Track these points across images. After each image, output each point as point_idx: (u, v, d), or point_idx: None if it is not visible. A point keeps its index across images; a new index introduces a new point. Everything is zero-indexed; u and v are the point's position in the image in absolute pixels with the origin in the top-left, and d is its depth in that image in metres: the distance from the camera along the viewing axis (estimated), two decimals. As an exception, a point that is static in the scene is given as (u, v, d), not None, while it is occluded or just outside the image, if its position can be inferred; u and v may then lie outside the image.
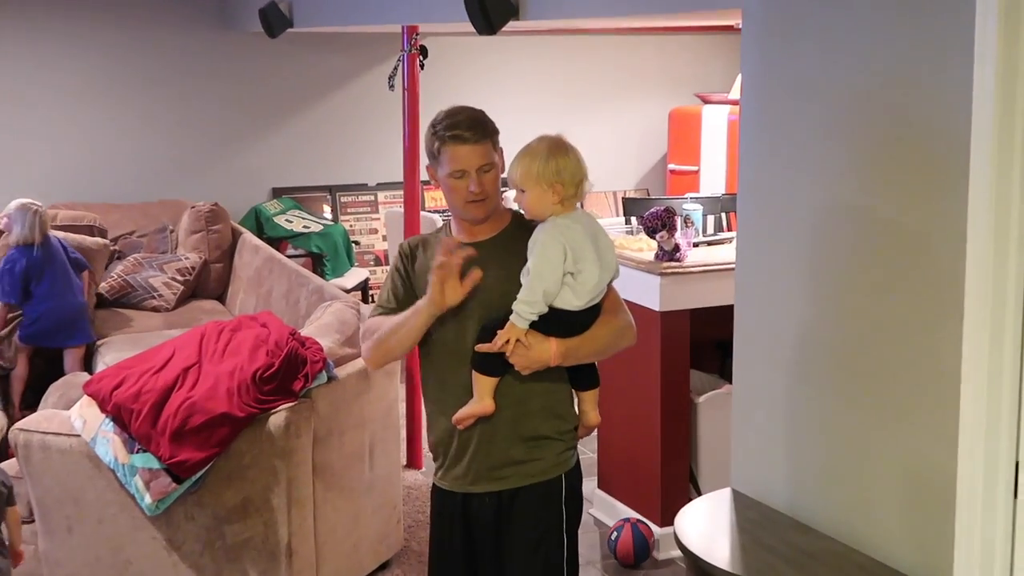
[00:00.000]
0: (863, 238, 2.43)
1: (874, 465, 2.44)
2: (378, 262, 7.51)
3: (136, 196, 6.80)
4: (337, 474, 3.52)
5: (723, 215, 4.88)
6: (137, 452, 3.18)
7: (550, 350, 2.44)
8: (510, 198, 2.62)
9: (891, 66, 2.33)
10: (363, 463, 3.66)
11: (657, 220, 3.94)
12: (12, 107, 6.66)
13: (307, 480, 3.38)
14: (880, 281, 2.39)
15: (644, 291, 3.98)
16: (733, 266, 2.94)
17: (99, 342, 5.45)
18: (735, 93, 6.86)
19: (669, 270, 3.96)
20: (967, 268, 2.15)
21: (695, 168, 7.29)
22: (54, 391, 4.40)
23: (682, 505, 2.82)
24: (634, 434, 4.20)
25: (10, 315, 5.28)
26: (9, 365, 5.32)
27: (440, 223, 6.20)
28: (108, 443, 3.22)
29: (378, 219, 7.52)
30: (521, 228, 2.54)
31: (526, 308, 2.40)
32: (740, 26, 2.80)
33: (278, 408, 3.29)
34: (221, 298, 6.36)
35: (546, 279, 2.40)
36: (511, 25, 3.73)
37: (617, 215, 7.07)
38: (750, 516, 2.72)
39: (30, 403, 4.97)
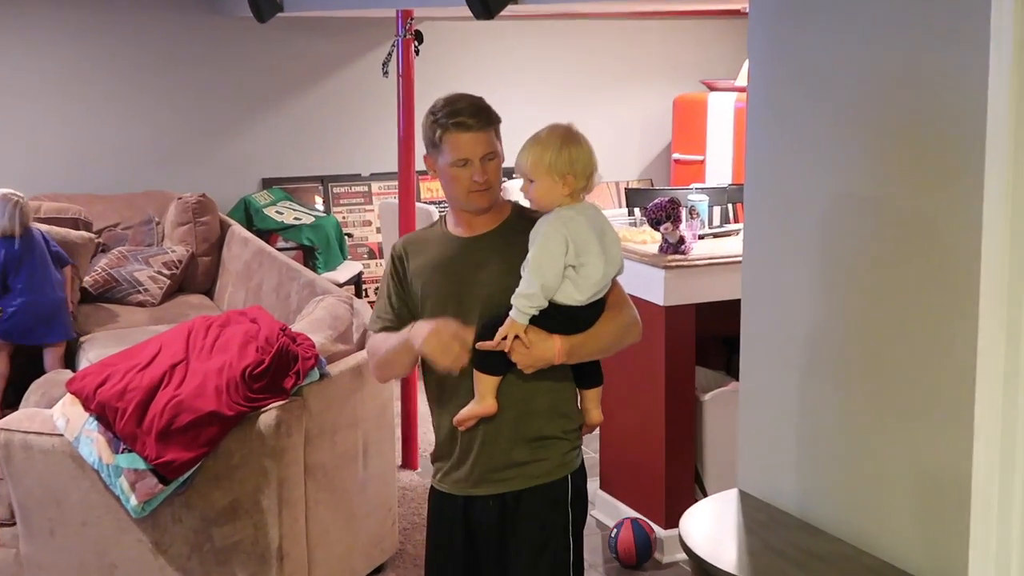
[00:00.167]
0: (875, 229, 2.43)
1: (886, 465, 2.44)
2: (372, 255, 7.51)
3: (121, 187, 6.79)
4: (330, 475, 3.52)
5: (730, 206, 4.89)
6: (122, 452, 3.18)
7: (554, 348, 2.43)
8: (509, 189, 2.62)
9: (904, 50, 2.32)
10: (356, 463, 3.66)
11: (661, 211, 3.94)
12: (-9, 95, 6.66)
13: (298, 481, 3.38)
14: (893, 274, 2.39)
15: (648, 285, 3.98)
16: (740, 259, 2.94)
17: (82, 338, 5.45)
18: (742, 80, 6.86)
19: (674, 263, 3.96)
20: (983, 260, 2.15)
21: (700, 157, 7.29)
22: (36, 389, 4.39)
23: (687, 506, 2.82)
24: (637, 433, 4.20)
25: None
26: (-12, 362, 5.33)
27: (435, 216, 6.21)
28: (92, 443, 3.22)
29: (372, 211, 7.52)
30: (522, 219, 2.54)
31: (524, 302, 2.40)
32: (747, 10, 2.80)
33: (268, 406, 3.29)
34: (209, 292, 6.36)
35: (545, 272, 2.39)
36: (509, 9, 3.72)
37: (620, 206, 7.06)
38: (757, 518, 2.72)
39: (11, 402, 4.96)
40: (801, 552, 2.51)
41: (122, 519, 3.23)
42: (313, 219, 7.04)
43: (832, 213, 2.55)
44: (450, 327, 2.42)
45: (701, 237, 4.17)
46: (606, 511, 4.40)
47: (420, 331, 2.44)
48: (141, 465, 3.16)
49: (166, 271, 6.13)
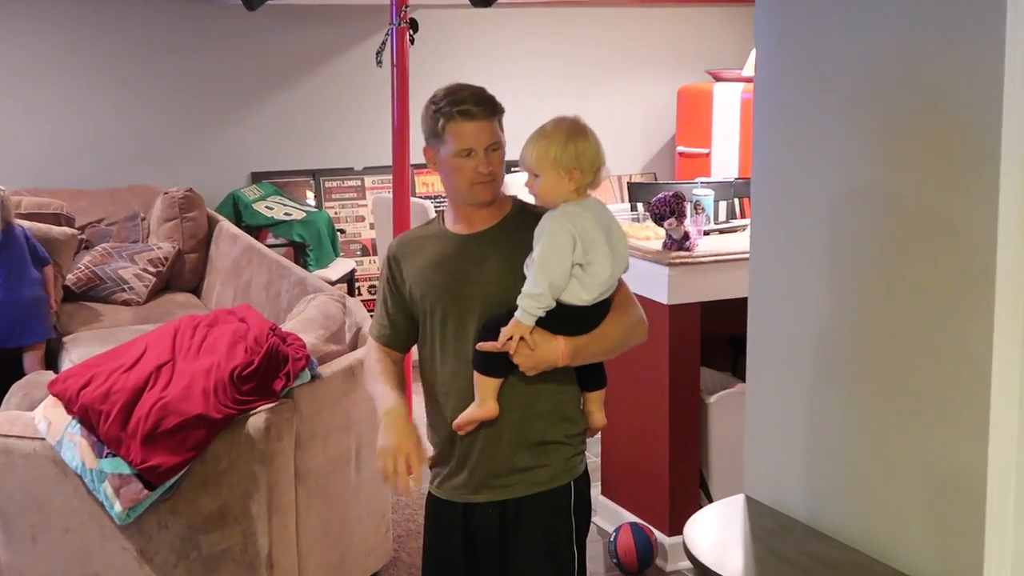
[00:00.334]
0: (887, 225, 2.43)
1: (898, 469, 2.44)
2: (365, 252, 7.50)
3: (105, 181, 6.79)
4: (321, 480, 3.52)
5: (736, 201, 4.88)
6: (106, 456, 3.18)
7: (558, 349, 2.43)
8: (508, 183, 2.62)
9: (919, 39, 2.32)
10: (349, 468, 3.66)
11: (665, 206, 3.94)
12: (-30, 86, 6.66)
13: (289, 486, 3.38)
14: (905, 272, 2.39)
15: (651, 283, 3.98)
16: (747, 256, 2.94)
17: (65, 338, 5.45)
18: (749, 69, 6.86)
19: (678, 260, 3.96)
20: (998, 257, 2.15)
21: (706, 151, 7.29)
22: (17, 391, 4.39)
23: (692, 512, 2.82)
24: (640, 437, 4.20)
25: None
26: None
27: (432, 212, 6.18)
28: (75, 447, 3.22)
29: (365, 205, 7.51)
30: (524, 215, 2.53)
31: (532, 303, 2.39)
32: (754, -3, 2.80)
33: (258, 409, 3.28)
34: (196, 291, 6.35)
35: (553, 270, 2.39)
36: (508, -3, 3.72)
37: (622, 201, 7.06)
38: (764, 524, 2.72)
39: (-9, 404, 4.97)
40: (810, 560, 2.51)
41: (106, 526, 3.23)
42: (304, 214, 7.04)
43: (843, 208, 2.54)
44: (403, 452, 2.48)
45: (706, 233, 4.17)
46: (607, 517, 4.40)
47: (381, 434, 2.52)
48: (126, 470, 3.16)
49: (152, 268, 6.13)
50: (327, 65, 7.39)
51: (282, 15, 7.11)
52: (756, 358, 2.87)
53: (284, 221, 6.96)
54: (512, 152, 2.50)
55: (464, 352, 2.49)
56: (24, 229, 5.41)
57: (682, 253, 3.98)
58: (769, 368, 2.82)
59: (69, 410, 3.29)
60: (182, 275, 6.33)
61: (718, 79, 7.35)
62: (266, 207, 7.04)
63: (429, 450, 2.66)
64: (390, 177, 5.40)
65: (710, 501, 4.07)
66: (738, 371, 4.34)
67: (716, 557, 2.53)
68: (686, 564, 3.72)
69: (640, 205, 4.72)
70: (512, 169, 5.47)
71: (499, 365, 2.45)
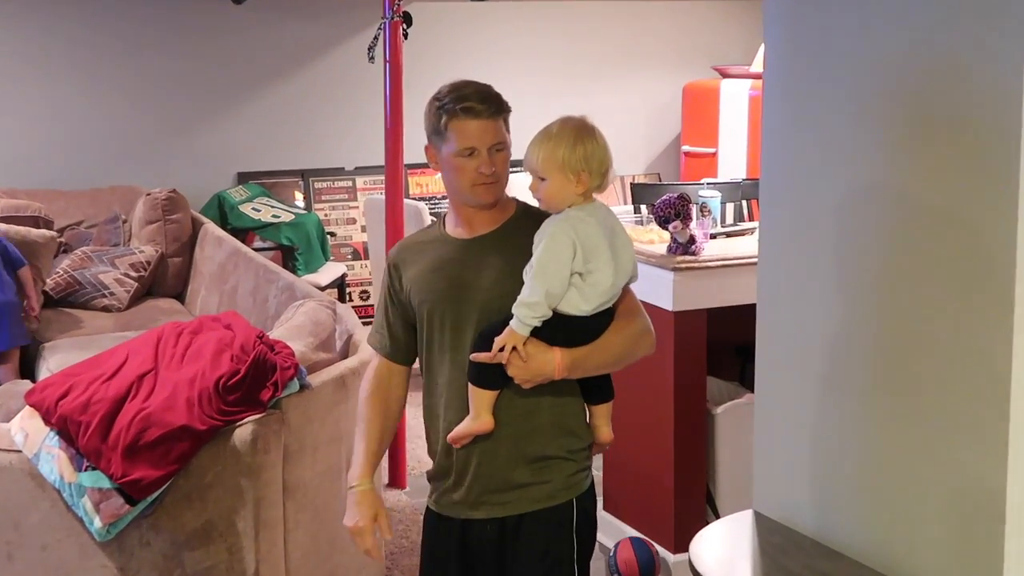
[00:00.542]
0: (905, 229, 2.43)
1: (913, 484, 2.44)
2: (356, 255, 7.51)
3: (84, 182, 6.79)
4: (310, 494, 3.52)
5: (744, 203, 4.89)
6: (86, 470, 3.18)
7: (553, 362, 2.41)
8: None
9: (936, 33, 2.32)
10: (339, 482, 3.66)
11: (670, 209, 3.94)
12: (-57, 82, 6.66)
13: (277, 501, 3.38)
14: (923, 277, 2.39)
15: (655, 288, 3.98)
16: (755, 260, 2.94)
17: (43, 346, 5.44)
18: (757, 66, 6.87)
19: (683, 265, 3.96)
20: (1017, 262, 2.15)
21: (712, 150, 7.30)
22: (-8, 401, 4.39)
23: (698, 529, 2.82)
24: (644, 449, 4.20)
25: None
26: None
27: (426, 214, 6.16)
28: (53, 460, 3.21)
29: (356, 207, 7.52)
30: (528, 219, 2.53)
31: (527, 312, 2.38)
32: (763, -10, 2.80)
33: (244, 420, 3.28)
34: (180, 296, 6.35)
35: (550, 278, 2.38)
36: (506, -11, 3.72)
37: (625, 203, 7.08)
38: (774, 541, 2.72)
39: (-36, 415, 4.96)
40: (822, 578, 2.51)
41: (85, 542, 3.22)
42: (293, 217, 7.04)
43: (857, 210, 2.54)
44: (367, 532, 2.59)
45: (713, 236, 4.18)
46: (609, 533, 4.39)
47: (347, 511, 2.62)
48: (106, 484, 3.15)
49: (133, 273, 6.13)
50: (317, 60, 7.39)
51: (270, 8, 7.12)
52: (765, 367, 2.87)
53: (272, 223, 6.96)
54: (513, 151, 2.50)
55: (461, 361, 2.48)
56: (-1, 233, 5.41)
57: (687, 257, 3.98)
58: (778, 377, 2.82)
59: (47, 421, 3.28)
60: (165, 280, 6.33)
61: (725, 75, 7.36)
62: (253, 209, 7.04)
63: (424, 465, 2.66)
64: (382, 178, 5.40)
65: (717, 517, 4.07)
66: (746, 381, 4.34)
67: (724, 575, 2.53)
68: (692, 582, 3.71)
69: (644, 207, 4.73)
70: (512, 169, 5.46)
71: (494, 377, 2.44)
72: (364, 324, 4.50)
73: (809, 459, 2.72)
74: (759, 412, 2.90)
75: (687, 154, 7.57)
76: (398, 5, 4.83)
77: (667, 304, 3.97)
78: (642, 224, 4.55)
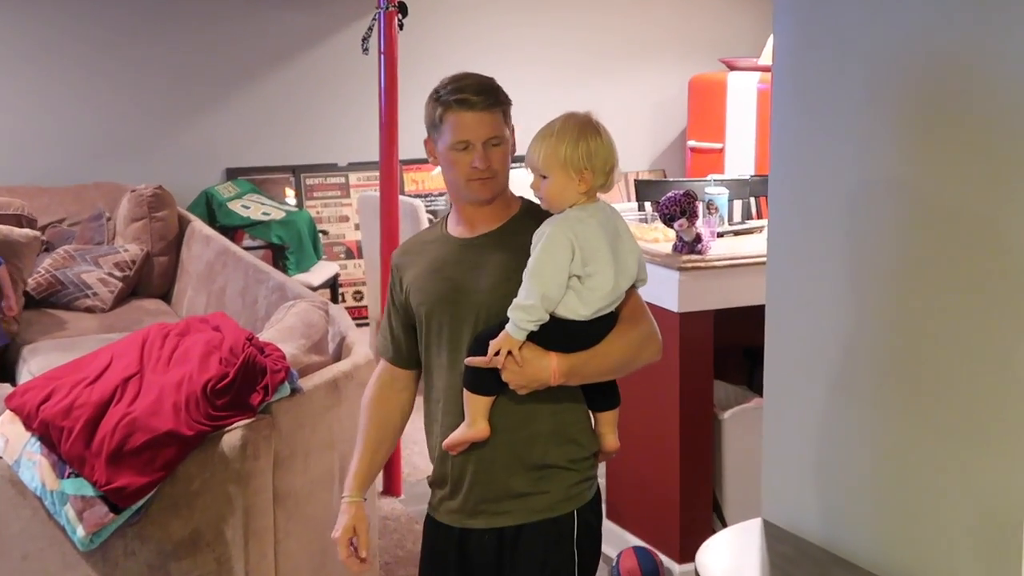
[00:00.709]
0: (919, 226, 2.43)
1: (928, 492, 2.44)
2: (350, 255, 7.51)
3: (66, 178, 6.79)
4: (302, 502, 3.52)
5: (752, 200, 4.89)
6: (68, 477, 3.18)
7: (550, 368, 2.40)
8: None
9: (954, 22, 2.32)
10: (332, 490, 3.66)
11: (675, 206, 3.94)
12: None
13: (267, 509, 3.38)
14: (939, 276, 2.39)
15: (660, 289, 3.98)
16: (764, 260, 2.94)
17: (24, 348, 5.44)
18: (766, 58, 6.87)
19: (689, 264, 3.96)
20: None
21: (719, 145, 7.30)
22: (-30, 406, 4.39)
23: (705, 538, 2.82)
24: (648, 456, 4.20)
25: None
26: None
27: (422, 211, 6.15)
28: (34, 466, 3.21)
29: (349, 205, 7.52)
30: (530, 218, 2.52)
31: (523, 316, 2.37)
32: (772, -21, 2.81)
33: (233, 425, 3.28)
34: (166, 297, 6.35)
35: (547, 281, 2.37)
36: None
37: (629, 200, 7.07)
38: (783, 551, 2.72)
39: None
40: (833, 590, 2.51)
41: (68, 552, 3.22)
42: (284, 214, 7.05)
43: (870, 208, 2.54)
44: (344, 543, 2.63)
45: (720, 235, 4.18)
46: (613, 543, 4.39)
47: (338, 519, 2.66)
48: (90, 491, 3.15)
49: (118, 273, 6.12)
50: (309, 52, 7.39)
51: (260, -2, 7.13)
52: (774, 370, 2.87)
53: (262, 221, 6.96)
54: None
55: (458, 365, 2.48)
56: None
57: (694, 257, 3.98)
58: (788, 381, 2.82)
59: (28, 426, 3.28)
60: (151, 280, 6.33)
61: (732, 68, 7.36)
62: (242, 206, 7.04)
63: (420, 472, 2.66)
64: (377, 174, 5.39)
65: (724, 526, 4.07)
66: (754, 384, 4.34)
67: (731, 586, 2.53)
68: (698, 594, 3.72)
69: (648, 205, 4.73)
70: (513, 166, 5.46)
71: (489, 382, 2.43)
72: (358, 326, 4.51)
73: (820, 466, 2.72)
74: (768, 417, 2.90)
75: (693, 150, 7.57)
76: (393, -6, 4.83)
77: (672, 305, 3.97)
78: (646, 222, 4.54)
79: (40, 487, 3.20)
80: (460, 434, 2.47)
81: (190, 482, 3.23)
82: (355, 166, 7.55)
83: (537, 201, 2.52)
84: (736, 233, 4.34)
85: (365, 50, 4.92)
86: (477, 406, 2.45)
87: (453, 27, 7.57)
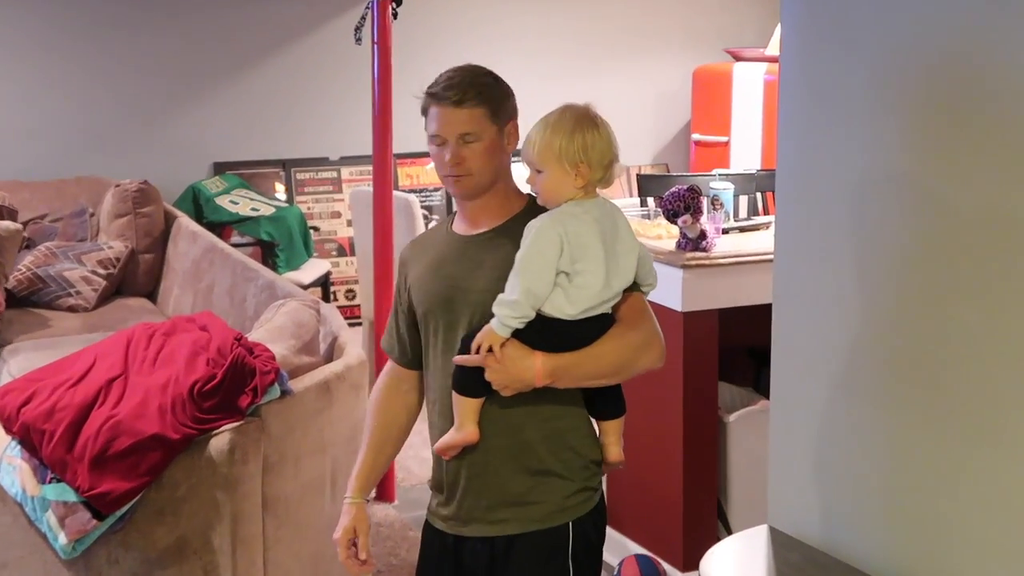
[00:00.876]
0: (931, 223, 2.43)
1: (941, 498, 2.44)
2: (341, 252, 7.51)
3: (48, 172, 6.78)
4: (292, 508, 3.52)
5: (758, 195, 4.89)
6: (50, 482, 3.18)
7: (533, 368, 2.37)
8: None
9: (967, 13, 2.32)
10: (323, 495, 3.66)
11: (679, 202, 3.94)
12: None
13: (255, 516, 3.38)
14: (950, 274, 2.39)
15: (663, 287, 3.95)
16: (770, 257, 2.94)
17: (3, 349, 5.44)
18: (773, 48, 6.87)
19: (693, 262, 3.97)
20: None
21: (724, 139, 7.30)
22: (-51, 408, 4.38)
23: (709, 545, 2.82)
24: (651, 460, 4.20)
25: None
26: None
27: (416, 207, 6.15)
28: (15, 471, 3.21)
29: (342, 200, 7.51)
30: (534, 215, 2.51)
31: (507, 311, 2.35)
32: (779, -33, 2.81)
33: (221, 429, 3.28)
34: (152, 295, 6.35)
35: (532, 276, 2.35)
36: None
37: (631, 195, 7.07)
38: (790, 558, 2.72)
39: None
40: (842, 599, 2.51)
41: (49, 560, 3.22)
42: (273, 210, 7.04)
43: (880, 204, 2.54)
44: (343, 544, 2.65)
45: (725, 231, 4.18)
46: (614, 550, 4.39)
47: (340, 520, 2.68)
48: (72, 497, 3.15)
49: (101, 270, 6.12)
50: (300, 42, 7.39)
51: (249, -14, 7.12)
52: (781, 372, 2.87)
53: (251, 217, 6.96)
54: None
55: (451, 366, 2.48)
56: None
57: (698, 254, 3.98)
58: (795, 383, 2.82)
59: (8, 430, 3.28)
60: (135, 278, 6.32)
61: (738, 59, 7.36)
62: (230, 201, 7.04)
63: (414, 477, 2.66)
64: (370, 168, 5.40)
65: (729, 533, 4.08)
66: (760, 386, 4.34)
67: (736, 596, 2.53)
68: (702, 603, 3.72)
69: (651, 200, 4.72)
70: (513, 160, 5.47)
71: (475, 384, 2.41)
72: (350, 325, 4.50)
73: (828, 470, 2.72)
74: (775, 420, 2.90)
75: (697, 143, 7.57)
76: (387, -18, 4.83)
77: (676, 304, 3.97)
78: (649, 218, 4.54)
79: (20, 492, 3.20)
80: (449, 438, 2.47)
81: (176, 488, 3.23)
82: (347, 160, 7.54)
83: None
84: (742, 229, 4.34)
85: (358, 40, 4.92)
86: (465, 409, 2.45)
87: (449, 16, 7.57)
